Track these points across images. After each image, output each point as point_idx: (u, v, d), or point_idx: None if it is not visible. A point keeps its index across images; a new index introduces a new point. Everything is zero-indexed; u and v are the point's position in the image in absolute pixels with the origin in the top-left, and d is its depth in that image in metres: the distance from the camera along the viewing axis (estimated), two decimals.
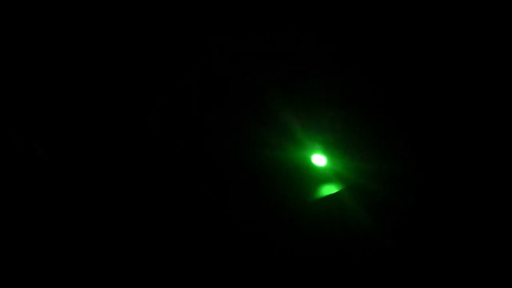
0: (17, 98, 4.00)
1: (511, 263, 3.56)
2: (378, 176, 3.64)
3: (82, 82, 3.96)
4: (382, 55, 3.64)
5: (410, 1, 3.64)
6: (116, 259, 3.93)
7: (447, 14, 3.64)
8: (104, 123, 4.03)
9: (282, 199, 3.74)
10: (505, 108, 3.61)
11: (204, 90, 3.89)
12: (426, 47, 3.60)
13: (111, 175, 4.01)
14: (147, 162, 3.92)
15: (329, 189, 3.69)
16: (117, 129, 3.99)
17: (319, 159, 3.66)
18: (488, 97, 3.59)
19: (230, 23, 3.79)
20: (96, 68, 3.95)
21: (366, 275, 3.66)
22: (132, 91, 3.97)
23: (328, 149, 3.67)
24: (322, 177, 3.75)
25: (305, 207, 3.72)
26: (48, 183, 4.12)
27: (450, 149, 3.72)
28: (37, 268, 3.87)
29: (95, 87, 3.99)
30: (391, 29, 3.61)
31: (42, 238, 3.97)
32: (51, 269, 3.89)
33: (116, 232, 3.96)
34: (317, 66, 3.70)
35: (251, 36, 3.76)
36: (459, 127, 3.67)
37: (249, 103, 3.75)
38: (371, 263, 3.64)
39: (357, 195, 3.65)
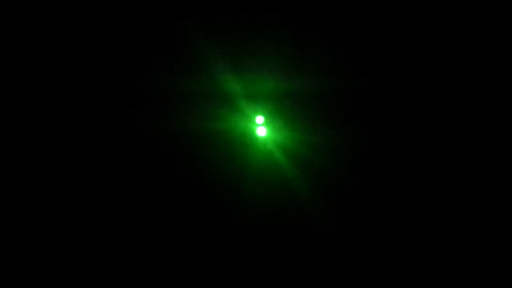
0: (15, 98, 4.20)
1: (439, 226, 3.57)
2: (319, 146, 3.75)
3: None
4: (326, 23, 3.65)
5: None
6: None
7: None
8: None
9: (224, 169, 3.84)
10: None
11: (142, 56, 3.83)
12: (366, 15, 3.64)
13: None
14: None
15: (270, 159, 3.81)
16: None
17: (261, 130, 3.81)
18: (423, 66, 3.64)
19: None
20: None
21: (304, 241, 3.72)
22: None
23: (270, 120, 3.77)
24: (264, 147, 3.85)
25: (247, 177, 3.80)
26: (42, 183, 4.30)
27: (392, 122, 3.79)
28: (37, 268, 4.06)
29: None
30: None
31: (42, 238, 4.17)
32: (50, 269, 4.08)
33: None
34: (262, 34, 3.66)
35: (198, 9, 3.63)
36: (402, 98, 3.73)
37: (191, 72, 3.73)
38: (309, 230, 3.71)
39: (297, 165, 3.75)
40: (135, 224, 4.11)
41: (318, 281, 3.80)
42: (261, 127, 3.86)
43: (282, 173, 3.87)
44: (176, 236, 3.98)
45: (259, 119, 3.81)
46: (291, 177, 3.82)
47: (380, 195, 3.75)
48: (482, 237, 3.71)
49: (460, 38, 3.65)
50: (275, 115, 3.84)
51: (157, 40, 3.81)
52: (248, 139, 3.88)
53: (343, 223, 3.80)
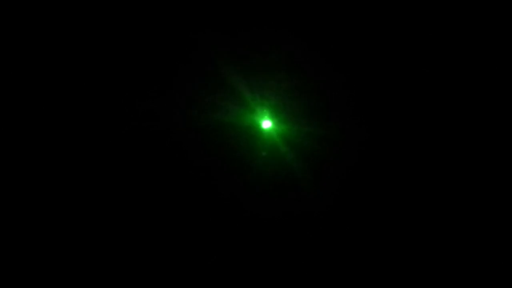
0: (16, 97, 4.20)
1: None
2: (323, 139, 3.83)
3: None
4: (328, 23, 3.74)
5: None
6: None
7: None
8: None
9: (229, 161, 3.89)
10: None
11: (153, 55, 3.86)
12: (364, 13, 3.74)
13: None
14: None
15: (275, 151, 3.87)
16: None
17: (266, 123, 3.89)
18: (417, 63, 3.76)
19: None
20: None
21: (306, 230, 3.79)
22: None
23: (274, 113, 3.85)
24: (269, 139, 3.92)
25: (252, 169, 3.86)
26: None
27: (394, 116, 3.89)
28: (37, 268, 4.05)
29: None
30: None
31: (42, 238, 4.16)
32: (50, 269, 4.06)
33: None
34: (266, 33, 3.72)
35: (204, 3, 3.71)
36: (403, 93, 3.84)
37: (199, 67, 3.78)
38: (312, 220, 3.78)
39: (302, 157, 3.83)
40: (137, 218, 4.14)
41: (319, 275, 3.87)
42: (266, 120, 3.92)
43: (287, 166, 3.92)
44: (181, 229, 4.02)
45: (265, 112, 3.87)
46: (296, 169, 3.88)
47: (384, 187, 3.83)
48: (477, 230, 3.79)
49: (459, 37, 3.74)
50: (280, 108, 3.90)
51: (164, 36, 3.87)
52: (253, 132, 3.93)
53: (347, 215, 3.87)
